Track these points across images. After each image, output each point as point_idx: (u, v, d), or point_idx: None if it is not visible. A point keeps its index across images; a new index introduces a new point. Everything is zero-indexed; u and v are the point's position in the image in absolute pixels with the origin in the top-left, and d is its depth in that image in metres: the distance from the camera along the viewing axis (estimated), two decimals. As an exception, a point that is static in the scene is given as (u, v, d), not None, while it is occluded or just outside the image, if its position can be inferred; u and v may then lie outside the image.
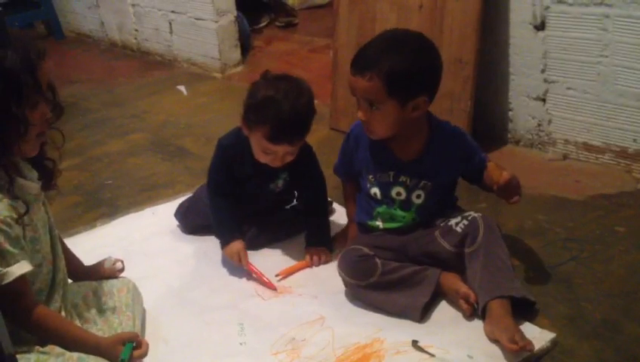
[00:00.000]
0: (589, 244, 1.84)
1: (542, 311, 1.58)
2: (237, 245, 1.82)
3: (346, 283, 1.70)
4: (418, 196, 1.69)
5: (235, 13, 3.67)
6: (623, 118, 2.18)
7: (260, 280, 1.79)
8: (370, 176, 1.71)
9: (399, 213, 1.71)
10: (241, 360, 1.52)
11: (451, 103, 2.40)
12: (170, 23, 3.94)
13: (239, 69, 3.75)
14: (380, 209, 1.72)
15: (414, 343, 1.50)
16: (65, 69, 4.16)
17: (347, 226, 1.94)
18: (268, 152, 1.71)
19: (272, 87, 1.67)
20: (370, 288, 1.64)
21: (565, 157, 2.38)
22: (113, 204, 2.33)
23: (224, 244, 1.85)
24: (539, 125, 2.42)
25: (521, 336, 1.43)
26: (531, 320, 1.55)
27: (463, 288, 1.58)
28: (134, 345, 1.40)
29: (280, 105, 1.63)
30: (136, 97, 3.50)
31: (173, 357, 1.55)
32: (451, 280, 1.63)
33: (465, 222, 1.64)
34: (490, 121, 2.53)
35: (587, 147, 2.31)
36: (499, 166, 1.66)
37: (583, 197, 2.10)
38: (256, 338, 1.59)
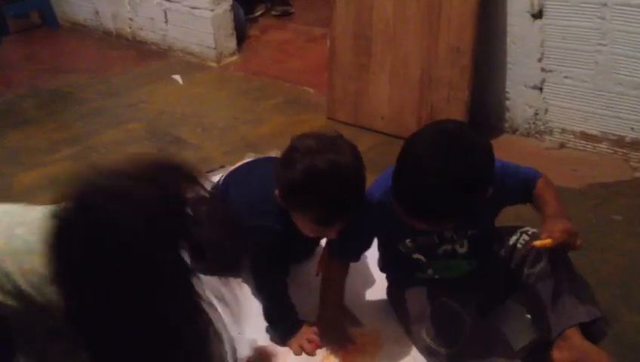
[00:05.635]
0: (586, 233, 1.83)
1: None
2: (306, 331, 1.50)
3: (429, 352, 1.40)
4: (462, 245, 1.45)
5: (230, 1, 3.64)
6: (620, 107, 2.18)
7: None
8: (408, 241, 1.44)
9: (452, 263, 1.48)
10: (237, 350, 1.52)
11: (449, 92, 2.39)
12: (165, 12, 3.91)
13: (235, 58, 3.74)
14: (431, 267, 1.48)
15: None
16: (60, 58, 4.13)
17: (329, 314, 1.54)
18: (320, 232, 1.42)
19: (309, 158, 1.30)
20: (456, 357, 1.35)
21: (562, 146, 2.38)
22: (110, 194, 2.32)
23: (290, 336, 1.51)
24: (536, 114, 2.42)
25: None
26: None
27: None
28: None
29: (326, 184, 1.27)
30: (132, 87, 3.48)
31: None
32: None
33: (525, 237, 1.44)
34: (487, 109, 2.53)
35: (584, 136, 2.31)
36: (552, 217, 1.33)
37: (580, 185, 2.10)
38: (253, 328, 1.58)
